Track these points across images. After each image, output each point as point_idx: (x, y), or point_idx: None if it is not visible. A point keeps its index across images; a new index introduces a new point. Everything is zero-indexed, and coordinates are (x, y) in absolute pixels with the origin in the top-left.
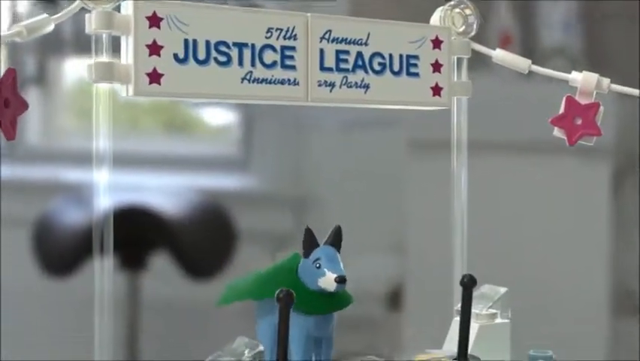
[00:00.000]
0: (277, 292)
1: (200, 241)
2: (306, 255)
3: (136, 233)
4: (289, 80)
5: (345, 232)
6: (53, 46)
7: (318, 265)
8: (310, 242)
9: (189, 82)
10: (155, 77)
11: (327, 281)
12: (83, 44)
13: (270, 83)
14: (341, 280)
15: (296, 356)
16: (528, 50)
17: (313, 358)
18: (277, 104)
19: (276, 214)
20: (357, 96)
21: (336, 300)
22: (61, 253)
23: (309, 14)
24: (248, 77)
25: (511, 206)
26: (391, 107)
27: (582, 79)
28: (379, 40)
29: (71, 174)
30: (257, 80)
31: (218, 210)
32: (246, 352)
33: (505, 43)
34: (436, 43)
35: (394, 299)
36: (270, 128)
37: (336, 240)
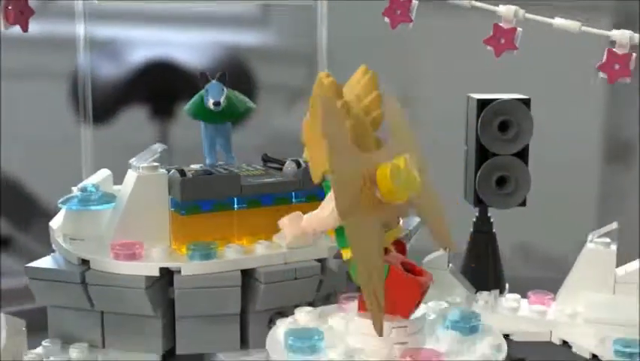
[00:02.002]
0: None
1: None
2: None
3: (164, 85)
4: None
5: None
6: None
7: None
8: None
9: None
10: None
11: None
12: None
13: None
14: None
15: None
16: None
17: None
18: None
19: (291, 68)
20: None
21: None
22: (99, 102)
23: None
24: None
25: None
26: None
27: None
28: None
29: (106, 31)
30: None
31: (239, 64)
32: (159, 150)
33: None
34: None
35: None
36: None
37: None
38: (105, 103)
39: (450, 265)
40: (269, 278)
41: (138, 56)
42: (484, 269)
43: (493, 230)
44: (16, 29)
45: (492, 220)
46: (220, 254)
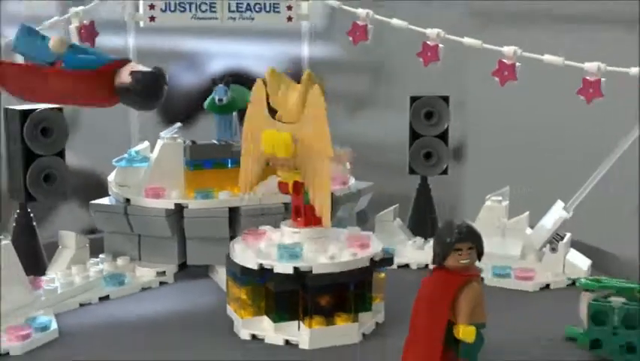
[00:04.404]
0: None
1: None
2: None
3: None
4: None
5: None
6: None
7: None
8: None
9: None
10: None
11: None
12: None
13: None
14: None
15: None
16: None
17: None
18: None
19: (355, 77)
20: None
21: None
22: (179, 107)
23: None
24: None
25: (536, 79)
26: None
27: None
28: None
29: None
30: None
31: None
32: (178, 126)
33: None
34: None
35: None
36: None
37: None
38: (184, 108)
39: (397, 218)
40: (246, 213)
41: (214, 67)
42: (422, 222)
43: (431, 194)
44: None
45: (430, 187)
46: (215, 196)
